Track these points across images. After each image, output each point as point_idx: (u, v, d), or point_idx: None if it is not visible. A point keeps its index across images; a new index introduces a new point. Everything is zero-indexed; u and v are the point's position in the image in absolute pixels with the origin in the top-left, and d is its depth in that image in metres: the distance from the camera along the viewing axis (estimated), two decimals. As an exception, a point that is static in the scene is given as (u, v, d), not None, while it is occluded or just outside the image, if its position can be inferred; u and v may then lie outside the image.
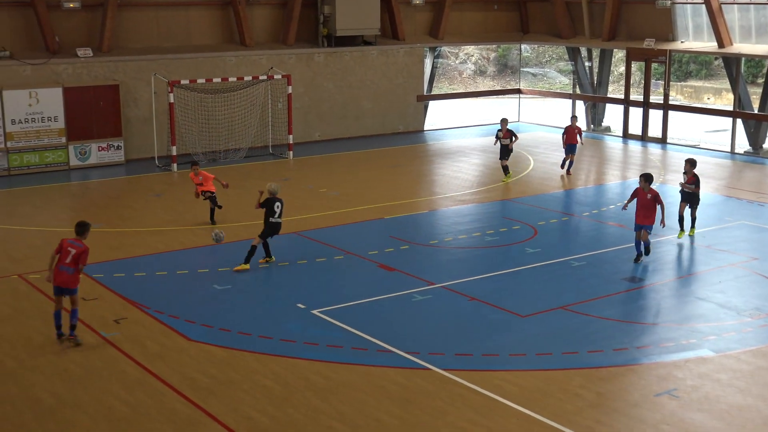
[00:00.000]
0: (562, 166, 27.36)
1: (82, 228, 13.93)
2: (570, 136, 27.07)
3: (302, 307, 15.50)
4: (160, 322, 14.82)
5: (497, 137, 26.35)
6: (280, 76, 30.08)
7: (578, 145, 27.36)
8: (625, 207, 18.53)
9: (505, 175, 26.17)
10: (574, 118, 27.89)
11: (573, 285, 16.74)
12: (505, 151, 26.20)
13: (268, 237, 17.77)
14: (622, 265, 17.90)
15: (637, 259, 18.05)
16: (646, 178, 18.13)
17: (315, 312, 15.25)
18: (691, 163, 20.28)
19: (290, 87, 30.00)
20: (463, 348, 13.74)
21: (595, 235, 20.50)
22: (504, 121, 26.44)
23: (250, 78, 29.73)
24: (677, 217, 19.97)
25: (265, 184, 17.98)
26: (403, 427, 11.24)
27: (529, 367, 13.09)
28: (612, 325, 14.78)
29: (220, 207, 21.34)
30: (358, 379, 12.69)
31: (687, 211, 19.97)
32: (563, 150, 27.41)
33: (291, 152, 29.91)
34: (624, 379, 12.77)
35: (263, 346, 13.81)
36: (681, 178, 20.17)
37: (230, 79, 29.26)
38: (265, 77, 30.02)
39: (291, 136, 30.11)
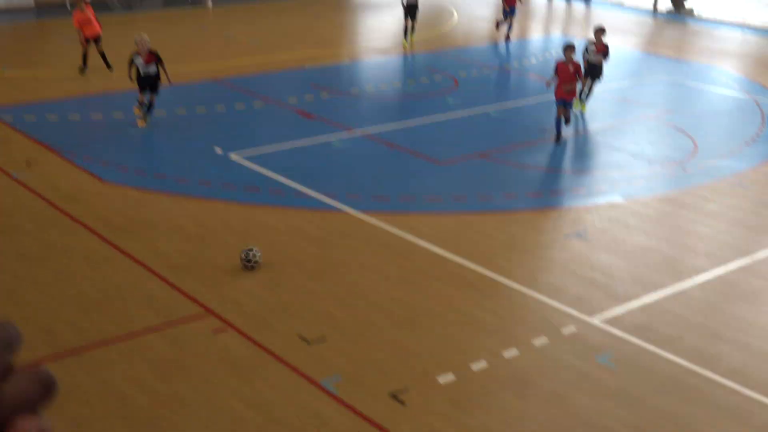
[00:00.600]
0: (498, 28, 25.08)
1: None
2: None
3: (219, 151, 15.36)
4: (74, 164, 14.56)
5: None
6: None
7: (517, 7, 24.76)
8: (548, 84, 16.80)
9: (407, 37, 23.42)
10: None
11: (491, 134, 16.88)
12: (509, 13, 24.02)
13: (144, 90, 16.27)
14: (541, 116, 18.06)
15: (557, 139, 16.32)
16: (569, 48, 16.53)
17: (232, 156, 15.14)
18: (602, 32, 18.97)
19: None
20: (380, 191, 13.84)
21: (516, 87, 20.59)
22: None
23: None
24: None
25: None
26: (318, 263, 11.38)
27: (444, 209, 13.29)
28: (528, 172, 15.01)
29: (110, 68, 20.08)
30: (275, 220, 12.74)
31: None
32: (502, 13, 24.91)
33: (210, 0, 29.05)
34: (536, 222, 13.07)
35: (179, 188, 13.71)
36: (578, 31, 19.38)
37: None
38: None
39: (211, -17, 29.24)
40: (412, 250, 11.86)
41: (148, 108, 16.57)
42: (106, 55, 20.18)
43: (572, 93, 16.31)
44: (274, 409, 8.26)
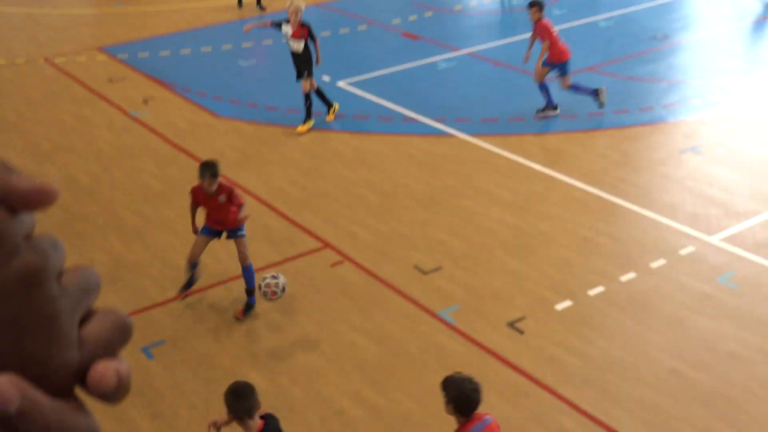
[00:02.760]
0: None
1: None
2: None
3: (327, 79, 15.47)
4: (188, 100, 14.93)
5: None
6: None
7: None
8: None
9: None
10: None
11: (600, 45, 16.50)
12: None
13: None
14: (650, 23, 17.52)
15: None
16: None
17: (340, 84, 15.25)
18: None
19: None
20: (488, 113, 13.78)
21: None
22: None
23: None
24: None
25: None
26: (429, 191, 11.50)
27: (554, 129, 13.17)
28: (639, 84, 14.68)
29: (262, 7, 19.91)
30: (384, 147, 12.86)
31: None
32: None
33: None
34: (649, 138, 12.84)
35: (291, 120, 13.93)
36: None
37: None
38: None
39: None
40: (524, 173, 11.84)
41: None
42: None
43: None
44: (394, 342, 8.51)
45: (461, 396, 5.61)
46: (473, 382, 5.68)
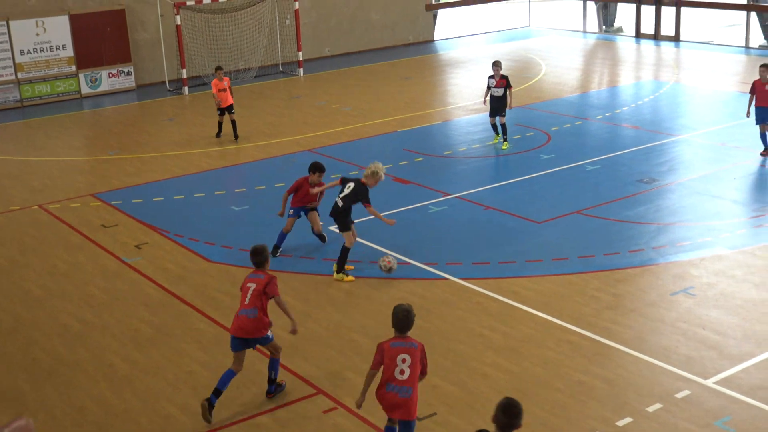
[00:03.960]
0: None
1: (259, 257, 10.05)
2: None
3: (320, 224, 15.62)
4: (181, 245, 15.02)
5: (488, 87, 19.84)
6: (286, -8, 29.76)
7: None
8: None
9: (499, 137, 19.96)
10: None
11: (588, 189, 16.78)
12: (498, 106, 19.68)
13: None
14: (636, 167, 17.88)
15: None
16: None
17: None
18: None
19: (297, 3, 29.69)
20: (480, 257, 13.88)
21: (609, 138, 20.44)
22: (497, 66, 19.80)
23: (256, -4, 29.45)
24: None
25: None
26: (423, 336, 11.39)
27: (546, 272, 13.23)
28: (628, 226, 14.86)
29: (236, 136, 21.48)
30: (377, 292, 12.88)
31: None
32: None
33: (301, 69, 29.77)
34: (640, 280, 12.91)
35: (283, 264, 13.99)
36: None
37: (236, -2, 29.01)
38: (271, -6, 29.72)
39: (300, 53, 29.92)
40: (516, 316, 11.84)
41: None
42: (237, 125, 21.51)
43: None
44: (389, 491, 8.30)
45: (393, 317, 8.51)
46: (404, 308, 8.52)
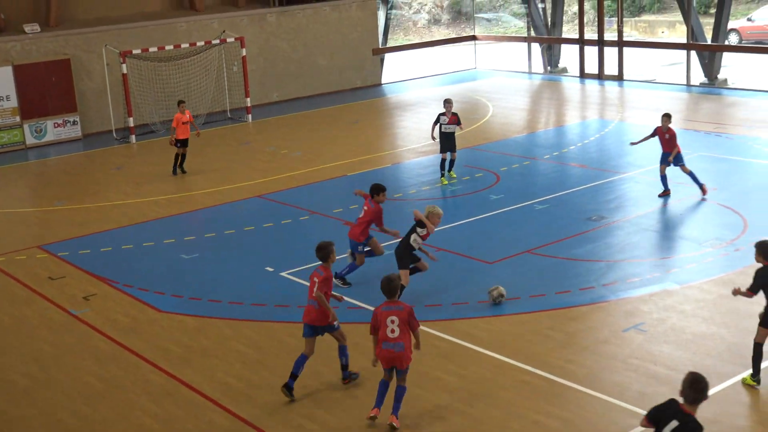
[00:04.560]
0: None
1: (322, 252, 11.29)
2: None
3: (270, 270, 15.55)
4: (130, 296, 14.82)
5: (438, 122, 20.47)
6: (233, 39, 29.82)
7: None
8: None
9: (445, 173, 20.60)
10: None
11: (538, 228, 16.90)
12: (450, 142, 20.48)
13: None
14: (585, 205, 18.07)
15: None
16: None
17: (284, 274, 15.31)
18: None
19: (244, 49, 29.79)
20: (432, 298, 13.87)
21: (557, 177, 20.66)
22: (449, 103, 20.61)
23: (202, 43, 29.46)
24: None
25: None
26: (376, 379, 11.36)
27: (498, 312, 13.26)
28: (578, 264, 14.97)
29: (183, 171, 22.69)
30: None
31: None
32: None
33: (249, 115, 29.77)
34: (592, 317, 12.99)
35: (234, 312, 13.87)
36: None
37: (183, 46, 28.98)
38: (217, 41, 29.75)
39: (248, 99, 29.95)
40: (470, 357, 11.83)
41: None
42: (177, 162, 22.65)
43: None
44: None
45: (381, 287, 10.10)
46: (387, 277, 10.06)
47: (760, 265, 10.66)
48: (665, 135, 18.21)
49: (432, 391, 11.01)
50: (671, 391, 10.53)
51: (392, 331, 9.96)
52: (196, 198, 20.46)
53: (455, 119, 20.33)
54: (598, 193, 18.83)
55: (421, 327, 12.70)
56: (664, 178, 18.27)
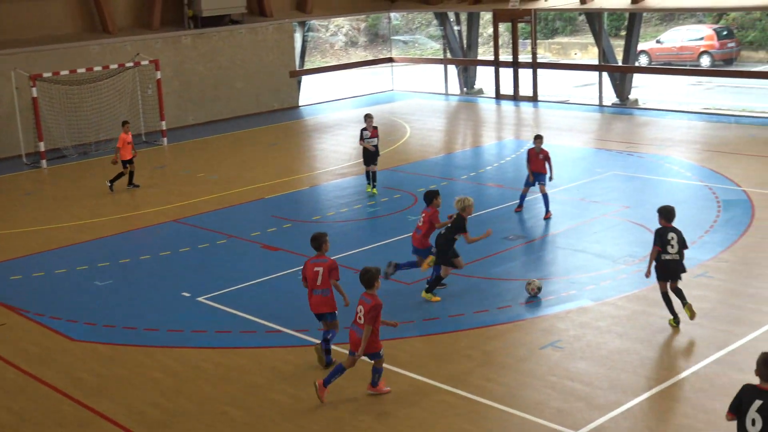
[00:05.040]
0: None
1: (316, 242, 12.24)
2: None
3: (187, 295, 15.31)
4: (41, 325, 14.42)
5: (362, 137, 21.27)
6: (147, 62, 29.45)
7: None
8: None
9: (370, 185, 21.49)
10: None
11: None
12: (372, 156, 21.27)
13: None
14: (502, 224, 18.25)
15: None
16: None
17: (201, 299, 15.09)
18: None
19: (159, 72, 29.44)
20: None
21: (474, 197, 20.69)
22: (370, 117, 21.48)
23: (116, 66, 29.01)
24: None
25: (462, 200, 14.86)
26: (297, 404, 11.27)
27: (418, 332, 13.28)
28: (496, 283, 15.10)
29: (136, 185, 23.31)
30: (248, 362, 12.64)
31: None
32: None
33: (165, 138, 29.38)
34: (510, 336, 13.08)
35: (150, 339, 13.61)
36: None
37: (95, 69, 28.50)
38: (131, 64, 29.34)
39: (164, 123, 29.56)
40: (390, 378, 11.78)
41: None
42: (116, 179, 23.04)
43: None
44: None
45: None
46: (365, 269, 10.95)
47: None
48: (539, 156, 18.66)
49: (351, 413, 10.93)
50: (588, 406, 10.71)
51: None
52: (110, 223, 20.07)
53: (376, 132, 21.18)
54: (514, 213, 19.04)
55: (339, 349, 12.71)
56: (523, 197, 19.10)
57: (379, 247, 17.40)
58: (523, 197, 19.08)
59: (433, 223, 14.83)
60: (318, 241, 12.19)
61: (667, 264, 12.69)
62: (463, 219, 14.56)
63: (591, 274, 15.24)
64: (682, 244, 12.76)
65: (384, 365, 11.61)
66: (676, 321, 12.91)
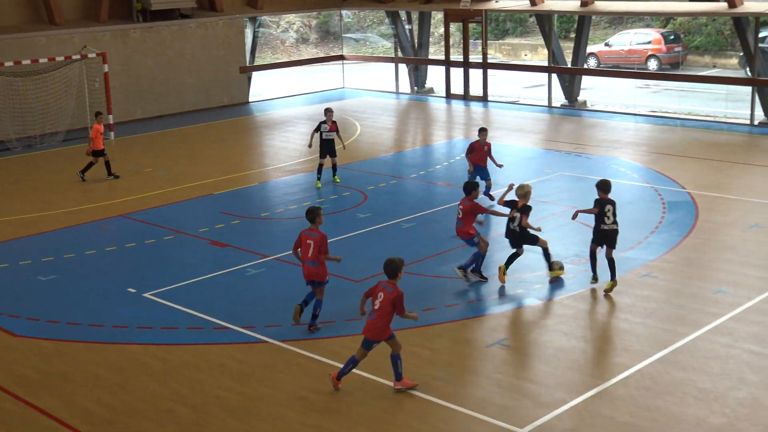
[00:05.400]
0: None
1: (311, 214, 13.28)
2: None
3: (133, 291, 15.15)
4: (-17, 320, 14.18)
5: (319, 130, 21.55)
6: (94, 55, 29.05)
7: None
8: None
9: (321, 178, 21.80)
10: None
11: (404, 246, 17.02)
12: (330, 148, 21.63)
13: None
14: (451, 223, 18.29)
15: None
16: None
17: (147, 295, 14.94)
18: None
19: (106, 66, 29.04)
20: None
21: (424, 196, 20.91)
22: (329, 111, 21.83)
23: (62, 58, 28.58)
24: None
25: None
26: (244, 401, 11.21)
27: (365, 330, 13.26)
28: (444, 282, 15.16)
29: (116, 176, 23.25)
30: (195, 359, 12.54)
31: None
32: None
33: (112, 132, 28.98)
34: (457, 334, 13.15)
35: (95, 335, 13.44)
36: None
37: (41, 61, 28.04)
38: (78, 57, 28.92)
39: (111, 116, 29.14)
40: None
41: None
42: (88, 168, 23.06)
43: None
44: None
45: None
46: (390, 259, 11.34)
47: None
48: (484, 148, 19.43)
49: (299, 411, 10.91)
50: (533, 404, 10.82)
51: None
52: (55, 217, 19.77)
53: (335, 126, 21.50)
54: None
55: (287, 347, 12.68)
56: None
57: (330, 245, 17.32)
58: (488, 189, 19.47)
59: (475, 213, 15.17)
60: (312, 214, 13.17)
61: (605, 233, 14.26)
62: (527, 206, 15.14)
63: (538, 273, 15.36)
64: (616, 215, 14.37)
65: (328, 362, 11.59)
66: (595, 279, 14.56)
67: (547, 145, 25.59)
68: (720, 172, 21.81)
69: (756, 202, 18.99)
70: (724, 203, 19.02)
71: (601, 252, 14.43)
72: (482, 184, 19.09)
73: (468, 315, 13.75)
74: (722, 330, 12.80)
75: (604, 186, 14.43)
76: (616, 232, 14.27)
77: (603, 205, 14.25)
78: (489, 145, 19.52)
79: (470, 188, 15.22)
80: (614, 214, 14.24)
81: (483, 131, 19.65)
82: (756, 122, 27.87)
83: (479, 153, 19.42)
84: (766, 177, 21.36)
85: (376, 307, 11.13)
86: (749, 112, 28.05)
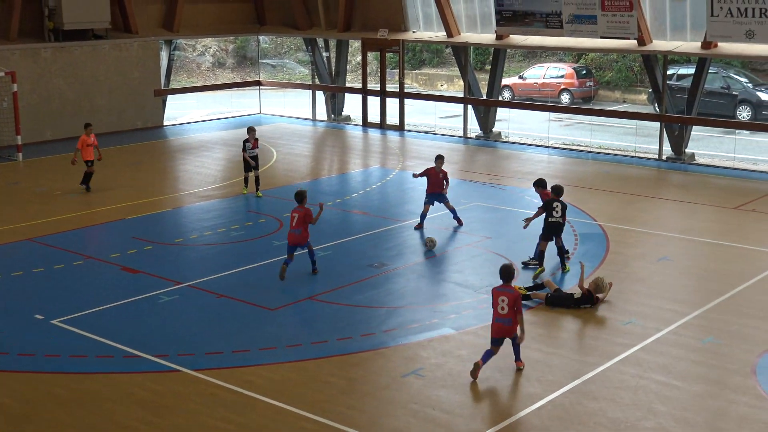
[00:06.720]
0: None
1: (300, 195, 16.55)
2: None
3: (41, 318, 14.72)
4: None
5: (245, 149, 23.03)
6: (3, 74, 28.33)
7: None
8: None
9: (247, 188, 23.50)
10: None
11: (320, 274, 16.95)
12: (255, 162, 23.12)
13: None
14: (366, 252, 18.33)
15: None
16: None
17: (55, 322, 14.53)
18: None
19: (15, 85, 28.34)
20: (213, 346, 13.57)
21: (340, 224, 20.87)
22: (252, 130, 23.32)
23: (-30, 76, 27.82)
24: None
25: None
26: (153, 431, 10.97)
27: (279, 359, 13.15)
28: (360, 311, 15.12)
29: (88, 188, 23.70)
30: (104, 388, 12.23)
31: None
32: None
33: (20, 154, 28.25)
34: (373, 363, 13.11)
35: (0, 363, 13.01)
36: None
37: (-52, 78, 27.25)
38: (-13, 75, 28.18)
39: (19, 137, 28.39)
40: (251, 406, 11.62)
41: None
42: (89, 179, 23.77)
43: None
44: None
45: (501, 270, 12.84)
46: (505, 266, 12.79)
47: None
48: (439, 175, 19.83)
49: (211, 442, 10.72)
50: (448, 435, 10.79)
51: (502, 308, 12.39)
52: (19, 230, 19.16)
53: (257, 144, 23.23)
54: (379, 240, 19.17)
55: (200, 376, 12.47)
56: (423, 216, 20.00)
57: (244, 271, 17.19)
58: (424, 216, 19.95)
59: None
60: (301, 196, 16.50)
61: (553, 225, 16.67)
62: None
63: (453, 303, 15.46)
64: (565, 210, 16.76)
65: (242, 391, 11.45)
66: (540, 272, 16.73)
67: (463, 176, 25.84)
68: (630, 205, 22.32)
69: (665, 235, 19.49)
70: (634, 236, 19.47)
71: (547, 247, 16.73)
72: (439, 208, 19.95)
73: (384, 344, 13.73)
74: (632, 360, 13.05)
75: (557, 190, 16.90)
76: (561, 225, 16.67)
77: (550, 203, 16.62)
78: (445, 173, 19.96)
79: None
80: (563, 210, 16.62)
81: (439, 159, 20.14)
82: (664, 157, 28.65)
83: (434, 179, 19.85)
84: (674, 211, 21.97)
85: (503, 312, 12.48)
86: (657, 147, 28.83)
